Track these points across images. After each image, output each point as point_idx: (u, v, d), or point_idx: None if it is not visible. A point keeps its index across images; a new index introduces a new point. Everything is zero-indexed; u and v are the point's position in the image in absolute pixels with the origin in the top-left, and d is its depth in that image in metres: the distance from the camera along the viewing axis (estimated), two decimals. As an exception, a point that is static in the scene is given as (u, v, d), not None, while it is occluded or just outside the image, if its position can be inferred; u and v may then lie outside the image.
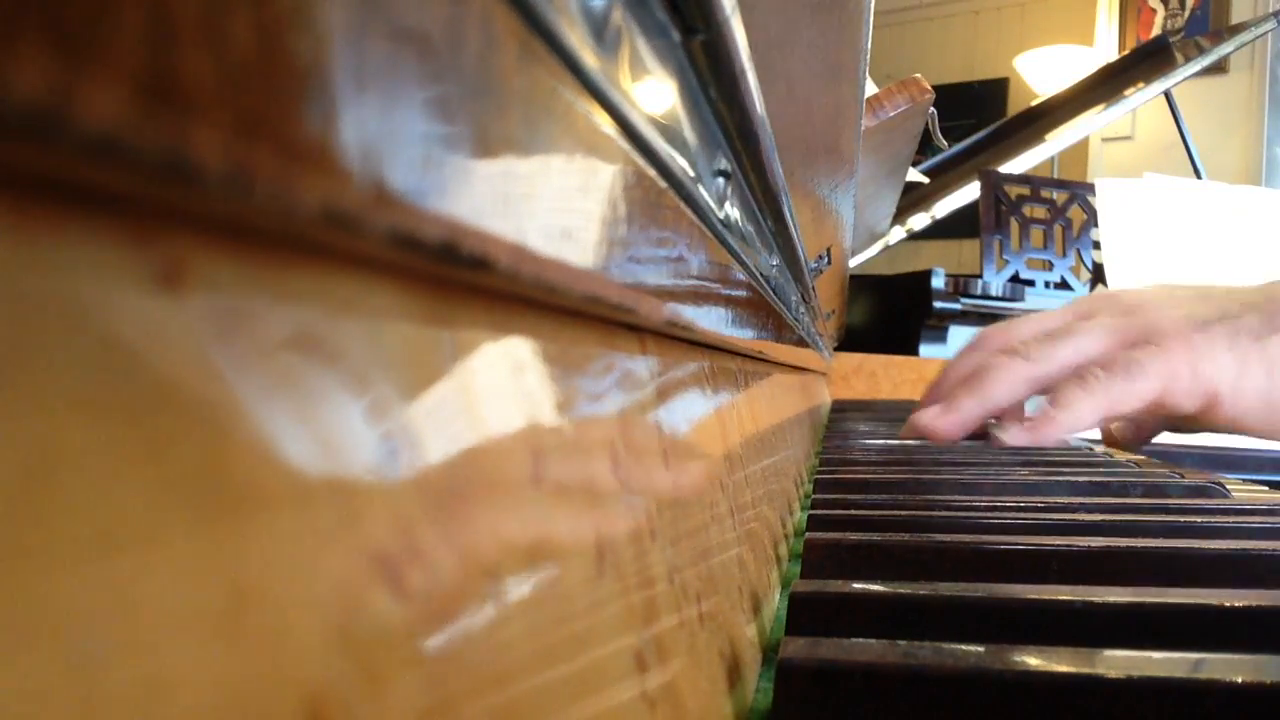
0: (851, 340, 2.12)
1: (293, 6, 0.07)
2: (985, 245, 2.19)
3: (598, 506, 0.17)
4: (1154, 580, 0.33)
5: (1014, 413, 0.87)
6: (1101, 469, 0.63)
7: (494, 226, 0.11)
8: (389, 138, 0.09)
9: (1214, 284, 0.87)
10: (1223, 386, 0.79)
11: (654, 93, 0.18)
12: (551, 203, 0.13)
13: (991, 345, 0.89)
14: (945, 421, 0.84)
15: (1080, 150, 3.87)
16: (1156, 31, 3.89)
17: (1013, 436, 0.81)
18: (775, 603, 0.36)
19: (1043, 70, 4.06)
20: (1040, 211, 2.24)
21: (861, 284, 2.24)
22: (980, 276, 2.16)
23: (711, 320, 0.29)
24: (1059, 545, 0.34)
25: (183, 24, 0.06)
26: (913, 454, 0.73)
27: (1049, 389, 0.84)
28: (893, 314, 2.16)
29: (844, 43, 0.43)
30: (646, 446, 0.21)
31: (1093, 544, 0.34)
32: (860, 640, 0.23)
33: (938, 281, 2.05)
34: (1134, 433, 0.96)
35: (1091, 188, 2.21)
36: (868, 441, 0.85)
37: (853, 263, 1.97)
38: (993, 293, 2.11)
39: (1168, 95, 2.52)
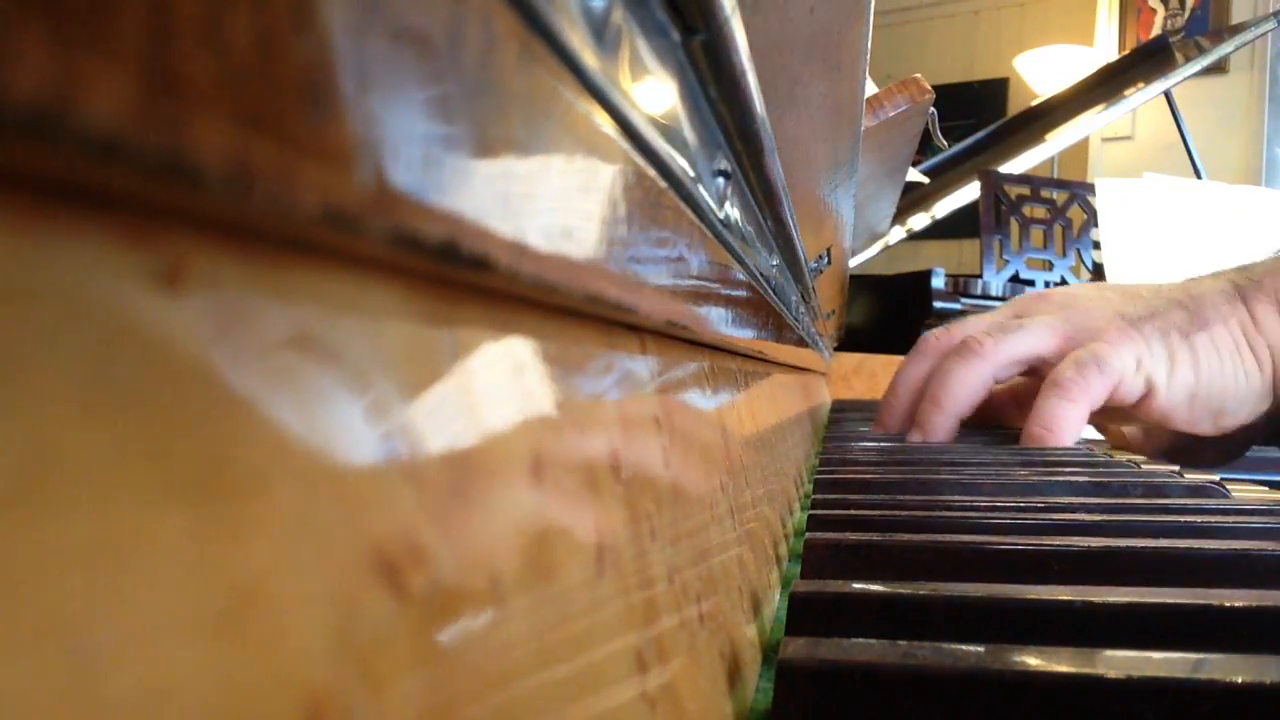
0: (851, 340, 2.12)
1: (293, 6, 0.07)
2: (985, 245, 2.19)
3: (598, 506, 0.17)
4: (1154, 580, 0.32)
5: (987, 409, 0.87)
6: (1101, 469, 0.63)
7: (494, 226, 0.11)
8: (389, 138, 0.09)
9: (1139, 284, 0.89)
10: (1158, 379, 0.81)
11: (654, 93, 0.18)
12: (552, 202, 0.13)
13: (937, 349, 0.89)
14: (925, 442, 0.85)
15: (1080, 150, 3.87)
16: (1156, 31, 3.89)
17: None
18: (775, 603, 0.36)
19: (1043, 70, 4.06)
20: (1040, 211, 2.24)
21: (861, 284, 2.24)
22: (980, 276, 2.16)
23: (711, 320, 0.29)
24: (1059, 545, 0.34)
25: (183, 24, 0.06)
26: (913, 454, 0.73)
27: (1002, 383, 0.85)
28: (893, 314, 2.16)
29: (844, 42, 0.43)
30: (646, 446, 0.21)
31: (1093, 544, 0.34)
32: (860, 640, 0.23)
33: (938, 281, 2.05)
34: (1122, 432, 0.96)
35: (1091, 188, 2.21)
36: (868, 442, 0.85)
37: (853, 263, 1.97)
38: (993, 293, 2.11)
39: (1168, 95, 2.52)
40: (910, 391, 0.88)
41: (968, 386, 0.83)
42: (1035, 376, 0.87)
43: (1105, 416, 0.89)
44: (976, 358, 0.84)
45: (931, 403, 0.85)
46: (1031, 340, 0.84)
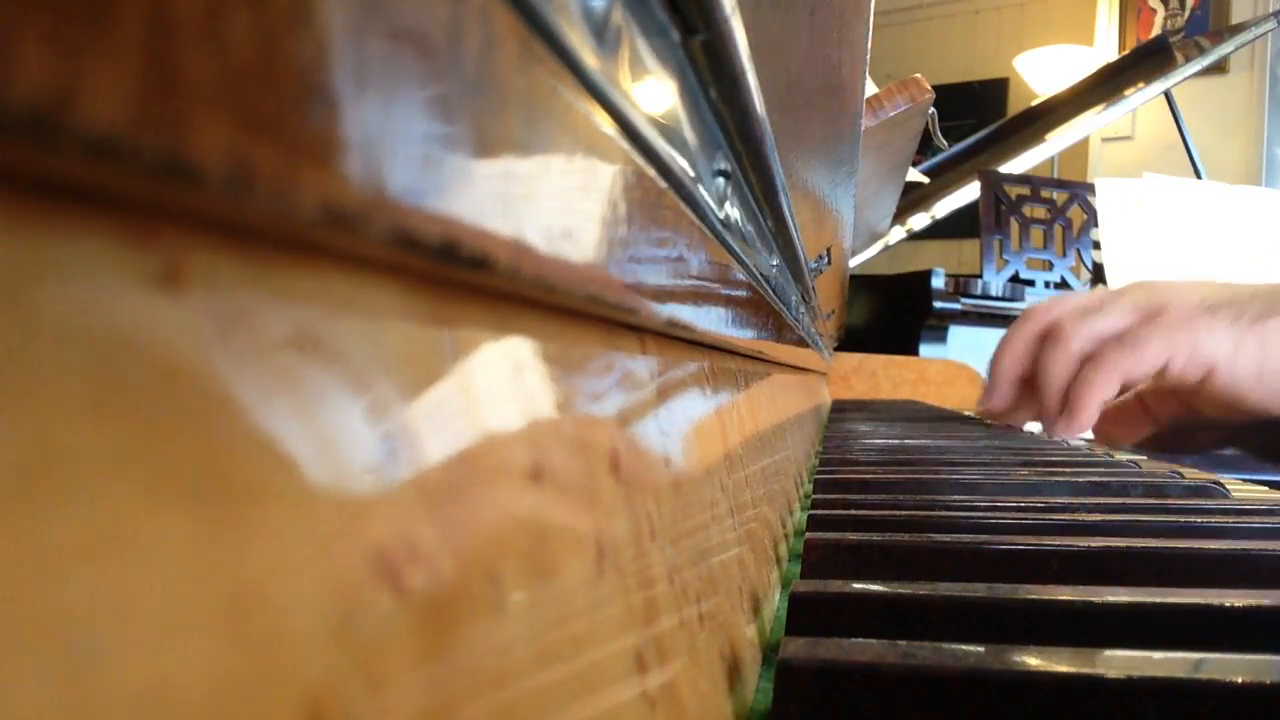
0: (851, 340, 2.12)
1: (293, 6, 0.07)
2: (985, 245, 2.19)
3: (597, 506, 0.17)
4: (1154, 580, 0.33)
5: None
6: (1101, 469, 0.63)
7: (494, 226, 0.11)
8: (389, 137, 0.09)
9: (1247, 284, 0.97)
10: (1219, 359, 0.88)
11: (654, 93, 0.18)
12: (551, 202, 0.13)
13: (1035, 327, 1.00)
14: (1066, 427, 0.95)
15: (1080, 150, 3.86)
16: (1156, 31, 3.89)
17: (1060, 429, 0.95)
18: (775, 603, 0.36)
19: (1043, 70, 4.06)
20: (1040, 211, 2.24)
21: (861, 284, 2.24)
22: (980, 276, 2.16)
23: (711, 320, 0.29)
24: (1059, 545, 0.34)
25: (183, 24, 0.06)
26: (912, 454, 0.73)
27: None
28: (893, 314, 2.16)
29: (844, 42, 0.43)
30: (646, 446, 0.21)
31: (1093, 544, 0.34)
32: (860, 640, 0.23)
33: (938, 281, 2.05)
34: (1133, 425, 1.02)
35: (1091, 188, 2.21)
36: (868, 441, 0.85)
37: (853, 263, 1.97)
38: (993, 293, 2.11)
39: (1168, 95, 2.52)
40: (1011, 365, 1.00)
41: (1059, 375, 0.95)
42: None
43: (1168, 400, 0.96)
44: (1069, 343, 0.94)
45: (1053, 395, 0.95)
46: (1107, 320, 0.95)
